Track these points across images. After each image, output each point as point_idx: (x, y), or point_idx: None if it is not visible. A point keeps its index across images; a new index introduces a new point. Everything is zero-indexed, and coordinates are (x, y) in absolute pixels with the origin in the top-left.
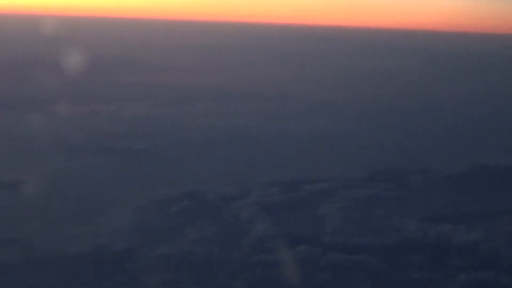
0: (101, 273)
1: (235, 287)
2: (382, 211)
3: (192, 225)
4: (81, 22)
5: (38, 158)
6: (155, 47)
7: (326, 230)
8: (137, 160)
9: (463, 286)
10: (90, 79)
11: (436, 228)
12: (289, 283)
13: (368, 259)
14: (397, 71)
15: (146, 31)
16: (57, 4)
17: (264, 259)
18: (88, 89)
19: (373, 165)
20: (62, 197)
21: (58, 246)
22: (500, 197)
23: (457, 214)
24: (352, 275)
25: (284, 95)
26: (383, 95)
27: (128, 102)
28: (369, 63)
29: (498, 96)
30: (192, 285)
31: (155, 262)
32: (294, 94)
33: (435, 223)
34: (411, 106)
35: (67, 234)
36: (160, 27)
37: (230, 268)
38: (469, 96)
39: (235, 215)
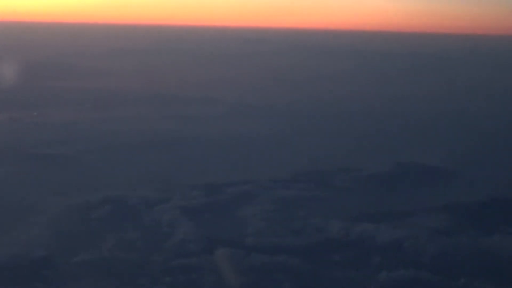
0: (20, 282)
1: None
2: (305, 212)
3: (113, 231)
4: (10, 27)
5: None
6: (83, 52)
7: (248, 232)
8: (59, 166)
9: (384, 284)
10: (15, 84)
11: (359, 227)
12: (211, 286)
13: (290, 259)
14: (326, 72)
15: (75, 35)
16: None
17: (185, 263)
18: (11, 95)
19: (297, 166)
20: None
21: None
22: (423, 195)
23: (380, 212)
24: (274, 276)
25: (208, 98)
26: (308, 96)
27: (53, 108)
28: (297, 64)
29: (427, 96)
30: None
31: (75, 269)
32: (219, 96)
33: (358, 222)
34: (337, 107)
35: None
36: (89, 31)
37: (151, 273)
38: (397, 96)
39: (156, 219)
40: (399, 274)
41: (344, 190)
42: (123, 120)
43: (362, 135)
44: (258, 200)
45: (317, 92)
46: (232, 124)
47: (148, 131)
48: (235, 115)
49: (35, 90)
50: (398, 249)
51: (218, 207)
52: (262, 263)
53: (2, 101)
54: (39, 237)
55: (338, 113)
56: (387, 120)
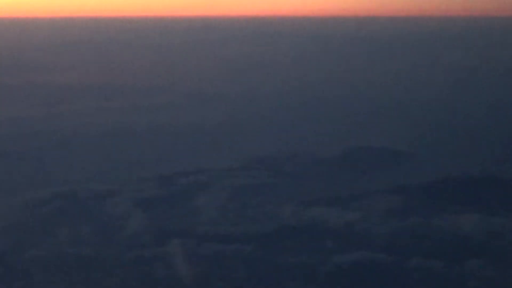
0: None
1: (109, 285)
2: (257, 199)
3: (64, 225)
4: None
5: None
6: (26, 46)
7: (202, 221)
8: (8, 162)
9: (337, 267)
10: None
11: (311, 212)
12: (164, 277)
13: (243, 247)
14: (277, 59)
15: (18, 30)
16: None
17: (138, 255)
18: None
19: (248, 154)
20: None
21: None
22: (374, 178)
23: (332, 196)
24: (227, 264)
25: (159, 88)
26: (258, 84)
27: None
28: (246, 53)
29: (378, 80)
30: (65, 286)
31: (27, 265)
32: (169, 86)
33: (310, 207)
34: (287, 94)
35: None
36: (30, 26)
37: (104, 267)
38: (348, 81)
39: (108, 212)
40: (352, 256)
41: (295, 176)
42: (73, 114)
43: (312, 120)
44: (210, 189)
45: (267, 80)
46: (182, 113)
47: (98, 124)
48: (185, 104)
49: None
50: (351, 232)
51: (171, 197)
52: (215, 252)
53: None
54: None
55: (288, 99)
56: (338, 105)
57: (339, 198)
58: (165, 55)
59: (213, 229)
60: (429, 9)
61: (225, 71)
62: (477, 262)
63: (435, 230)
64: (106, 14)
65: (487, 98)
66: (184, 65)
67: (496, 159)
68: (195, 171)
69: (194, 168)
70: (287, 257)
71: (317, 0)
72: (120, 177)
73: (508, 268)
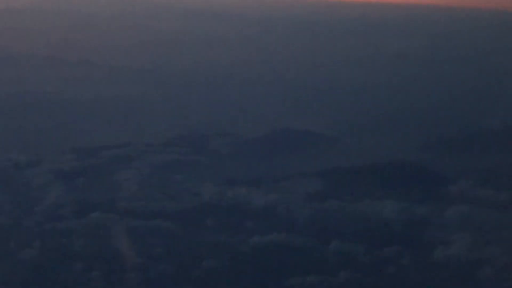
0: None
1: (25, 256)
2: (180, 176)
3: None
4: None
5: None
6: None
7: (122, 196)
8: None
9: (255, 248)
10: None
11: (234, 191)
12: (81, 250)
13: (164, 224)
14: (212, 38)
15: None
16: None
17: (56, 227)
18: None
19: (174, 130)
20: None
21: None
22: (299, 160)
23: (255, 177)
24: (146, 240)
25: (86, 61)
26: (189, 61)
27: None
28: (183, 30)
29: (314, 64)
30: None
31: None
32: (96, 59)
33: (232, 186)
34: (218, 72)
35: None
36: None
37: (21, 238)
38: (278, 62)
39: (27, 183)
40: (271, 238)
41: (220, 155)
42: None
43: (241, 100)
44: (133, 164)
45: (200, 57)
46: (108, 87)
47: (20, 94)
48: (111, 78)
49: None
50: (271, 214)
51: (92, 170)
52: (134, 227)
53: None
54: None
55: (220, 79)
56: (269, 86)
57: (262, 179)
58: (99, 28)
59: (134, 204)
60: None
61: (159, 47)
62: (396, 248)
63: (355, 215)
64: None
65: (416, 87)
66: (118, 39)
67: (420, 147)
68: (118, 145)
69: (117, 142)
70: (207, 236)
71: None
72: (42, 148)
73: (426, 256)
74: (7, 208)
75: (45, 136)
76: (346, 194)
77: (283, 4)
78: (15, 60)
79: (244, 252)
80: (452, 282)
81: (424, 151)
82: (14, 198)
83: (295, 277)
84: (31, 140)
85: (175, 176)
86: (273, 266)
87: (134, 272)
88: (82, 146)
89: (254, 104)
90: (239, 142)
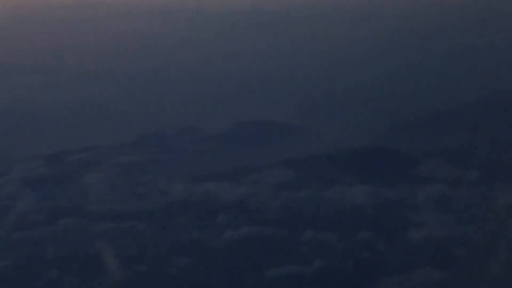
0: None
1: None
2: (148, 176)
3: None
4: None
5: None
6: None
7: (92, 199)
8: None
9: (229, 242)
10: None
11: (203, 187)
12: (54, 257)
13: (136, 224)
14: (166, 37)
15: None
16: None
17: (28, 236)
18: None
19: (138, 131)
20: None
21: None
22: (266, 151)
23: (224, 171)
24: (119, 242)
25: (46, 66)
26: (147, 61)
27: None
28: (137, 31)
29: (270, 53)
30: None
31: None
32: (56, 65)
33: (201, 182)
34: (176, 70)
35: None
36: None
37: None
38: (238, 54)
39: None
40: (244, 231)
41: (186, 152)
42: None
43: (203, 96)
44: (101, 167)
45: (156, 57)
46: (70, 92)
47: None
48: (73, 83)
49: None
50: (242, 207)
51: (60, 176)
52: (106, 230)
53: None
54: None
55: (177, 77)
56: (228, 79)
57: (230, 173)
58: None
59: (104, 207)
60: None
61: (118, 49)
62: (369, 234)
63: (327, 203)
64: None
65: (377, 71)
66: (76, 42)
67: (386, 130)
68: (84, 149)
69: (83, 146)
70: (179, 233)
71: None
72: (8, 156)
73: (398, 240)
74: None
75: (11, 143)
76: (316, 182)
77: None
78: None
79: (218, 247)
80: (428, 262)
81: (391, 134)
82: None
83: (271, 268)
84: None
85: (143, 176)
86: (248, 259)
87: (109, 275)
88: (48, 152)
89: (217, 98)
90: (205, 138)
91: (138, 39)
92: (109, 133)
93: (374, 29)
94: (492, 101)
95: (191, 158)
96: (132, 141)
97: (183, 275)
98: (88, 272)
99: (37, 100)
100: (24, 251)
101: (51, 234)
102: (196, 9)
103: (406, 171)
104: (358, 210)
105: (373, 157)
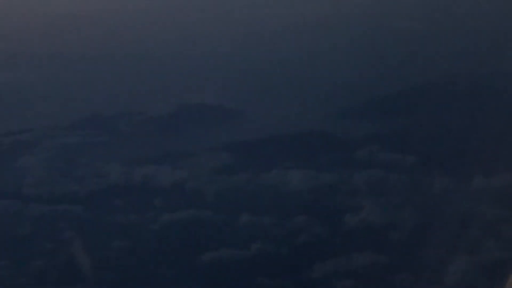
0: None
1: None
2: (86, 158)
3: None
4: None
5: None
6: None
7: (27, 182)
8: None
9: (165, 226)
10: None
11: (141, 170)
12: None
13: (72, 208)
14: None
15: None
16: None
17: None
18: None
19: (77, 112)
20: None
21: None
22: (205, 135)
23: (162, 154)
24: (55, 225)
25: None
26: (85, 40)
27: None
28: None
29: (207, 36)
30: None
31: None
32: None
33: (139, 165)
34: (116, 50)
35: None
36: None
37: None
38: (177, 35)
39: None
40: (181, 215)
41: (125, 134)
42: None
43: (143, 78)
44: (37, 149)
45: (97, 36)
46: (7, 72)
47: None
48: (10, 63)
49: None
50: (179, 190)
51: None
52: (42, 213)
53: None
54: None
55: (120, 57)
56: (170, 62)
57: (168, 156)
58: None
59: (40, 189)
60: None
61: (54, 28)
62: (305, 218)
63: (263, 187)
64: None
65: (315, 55)
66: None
67: (324, 115)
68: (20, 131)
69: (18, 128)
70: (116, 217)
71: None
72: None
73: (334, 224)
74: None
75: None
76: (254, 166)
77: None
78: None
79: (154, 230)
80: (364, 247)
81: (329, 119)
82: None
83: (207, 252)
84: None
85: (80, 159)
86: (184, 243)
87: (42, 259)
88: None
89: (159, 80)
90: (144, 121)
91: (78, 17)
92: (46, 115)
93: (313, 11)
94: (428, 87)
95: (129, 141)
96: (69, 123)
97: (118, 258)
98: (21, 256)
99: None
100: None
101: None
102: None
103: (343, 156)
104: (295, 194)
105: (310, 142)
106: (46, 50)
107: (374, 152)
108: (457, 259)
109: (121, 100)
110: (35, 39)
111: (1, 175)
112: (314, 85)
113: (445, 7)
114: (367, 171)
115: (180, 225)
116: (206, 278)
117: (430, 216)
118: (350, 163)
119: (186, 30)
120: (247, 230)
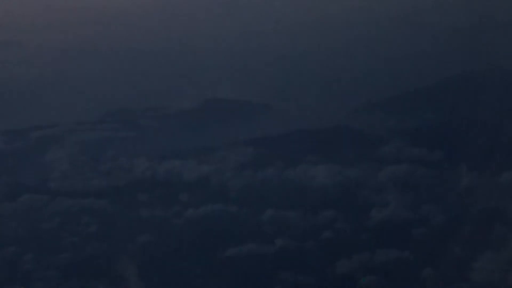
0: None
1: None
2: (112, 153)
3: None
4: None
5: None
6: None
7: (54, 176)
8: None
9: (190, 221)
10: None
11: (166, 165)
12: (13, 233)
13: (97, 202)
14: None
15: None
16: None
17: None
18: None
19: (103, 108)
20: None
21: None
22: (231, 130)
23: (187, 149)
24: (80, 219)
25: (6, 41)
26: (109, 35)
27: None
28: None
29: (233, 31)
30: None
31: None
32: (18, 39)
33: (164, 160)
34: (139, 47)
35: None
36: None
37: None
38: (200, 31)
39: None
40: (206, 209)
41: (151, 129)
42: None
43: (171, 73)
44: (63, 143)
45: (124, 32)
46: (34, 67)
47: None
48: (37, 58)
49: None
50: (205, 185)
51: (22, 152)
52: (67, 207)
53: None
54: None
55: (146, 52)
56: (197, 57)
57: (194, 151)
58: None
59: (66, 183)
60: None
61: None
62: (330, 213)
63: (288, 182)
64: None
65: (342, 50)
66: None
67: (351, 110)
68: (47, 125)
69: (46, 122)
70: (141, 211)
71: None
72: None
73: (359, 220)
74: None
75: None
76: (280, 161)
77: None
78: None
79: (180, 225)
80: (389, 243)
81: (356, 114)
82: None
83: (232, 247)
84: None
85: (106, 153)
86: (209, 237)
87: (68, 252)
88: (10, 128)
89: (183, 75)
90: (170, 115)
91: (107, 14)
92: (74, 110)
93: (340, 7)
94: (458, 81)
95: (155, 136)
96: (97, 118)
97: (144, 252)
98: (47, 249)
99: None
100: None
101: (10, 210)
102: None
103: (369, 151)
104: (320, 190)
105: (336, 137)
106: (72, 45)
107: (401, 147)
108: (484, 256)
109: (146, 95)
110: (59, 33)
111: (28, 170)
112: (340, 79)
113: (471, 2)
114: (393, 167)
115: (205, 220)
116: (229, 273)
117: (456, 212)
118: (376, 158)
119: (213, 24)
120: (271, 225)
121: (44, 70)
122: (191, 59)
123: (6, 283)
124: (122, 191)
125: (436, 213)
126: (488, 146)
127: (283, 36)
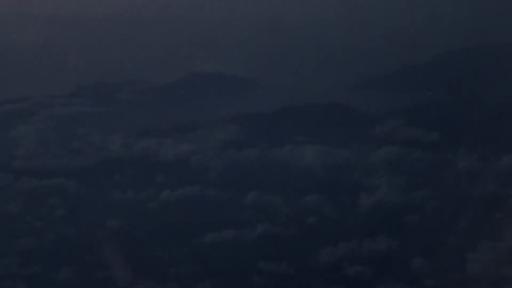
0: None
1: None
2: (84, 129)
3: None
4: None
5: None
6: None
7: (20, 154)
8: None
9: (165, 204)
10: None
11: (142, 143)
12: None
13: (66, 182)
14: None
15: None
16: None
17: None
18: None
19: (77, 80)
20: None
21: None
22: (214, 106)
23: (166, 126)
24: (47, 201)
25: None
26: (92, 7)
27: None
28: None
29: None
30: None
31: None
32: None
33: (141, 137)
34: (120, 19)
35: None
36: None
37: None
38: (184, 3)
39: None
40: (183, 192)
41: (128, 104)
42: None
43: (150, 44)
44: (33, 118)
45: (101, 2)
46: (4, 35)
47: None
48: (8, 26)
49: None
50: (184, 165)
51: None
52: (34, 187)
53: None
54: None
55: (123, 23)
56: (178, 28)
57: (173, 128)
58: None
59: (33, 162)
60: None
61: None
62: (317, 197)
63: (274, 163)
64: None
65: (335, 26)
66: None
67: (343, 87)
68: (16, 99)
69: (15, 96)
70: (113, 193)
71: None
72: None
73: (347, 205)
74: None
75: None
76: (265, 141)
77: None
78: None
79: (153, 208)
80: (378, 230)
81: (348, 91)
82: None
83: (209, 233)
84: None
85: (79, 130)
86: (185, 222)
87: (31, 237)
88: None
89: (163, 48)
90: (148, 90)
91: None
92: (45, 83)
93: None
94: (459, 59)
95: (131, 112)
96: (71, 92)
97: (113, 237)
98: (10, 232)
99: None
100: None
101: None
102: None
103: (362, 131)
104: (307, 172)
105: (326, 115)
106: (46, 11)
107: (396, 127)
108: (481, 246)
109: (125, 68)
110: (35, 2)
111: None
112: (333, 55)
113: None
114: (386, 148)
115: (182, 203)
116: (207, 260)
117: (453, 198)
118: (368, 139)
119: None
120: (253, 210)
121: (14, 40)
122: (173, 29)
123: None
124: (94, 171)
125: (431, 199)
126: (488, 128)
127: (274, 4)
